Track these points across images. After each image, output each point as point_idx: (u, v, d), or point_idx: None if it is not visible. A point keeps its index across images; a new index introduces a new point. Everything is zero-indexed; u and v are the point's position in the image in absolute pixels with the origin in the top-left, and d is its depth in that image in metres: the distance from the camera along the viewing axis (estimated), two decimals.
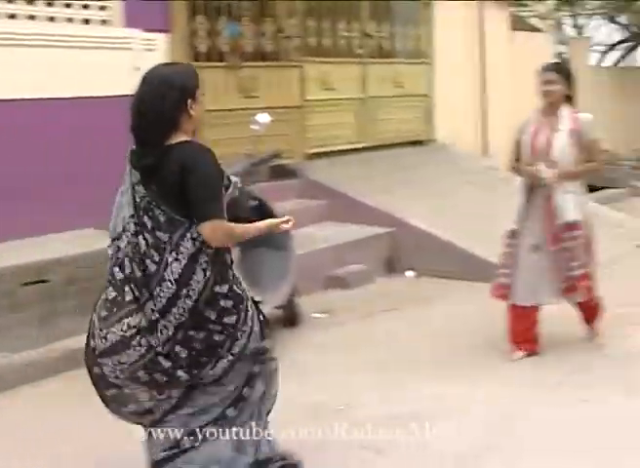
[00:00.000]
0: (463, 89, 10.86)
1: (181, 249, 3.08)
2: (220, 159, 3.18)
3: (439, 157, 9.73)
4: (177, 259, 3.08)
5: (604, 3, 14.71)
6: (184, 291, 3.08)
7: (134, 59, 6.56)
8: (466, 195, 8.55)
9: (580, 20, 15.20)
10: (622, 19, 15.46)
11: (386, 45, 9.36)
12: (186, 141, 3.15)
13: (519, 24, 13.31)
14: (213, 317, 3.13)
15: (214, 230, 3.08)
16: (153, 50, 6.92)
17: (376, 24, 9.11)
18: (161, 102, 3.09)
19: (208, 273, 3.11)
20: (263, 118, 5.75)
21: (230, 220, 3.18)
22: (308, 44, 8.33)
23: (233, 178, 3.38)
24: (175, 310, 3.09)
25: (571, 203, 5.09)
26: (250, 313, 3.26)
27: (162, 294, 3.09)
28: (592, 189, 12.41)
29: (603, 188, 12.26)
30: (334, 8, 8.62)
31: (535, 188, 5.10)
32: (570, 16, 15.16)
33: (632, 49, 16.20)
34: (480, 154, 10.90)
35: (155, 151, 3.11)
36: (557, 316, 5.38)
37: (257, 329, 3.29)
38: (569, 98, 5.24)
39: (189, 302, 3.08)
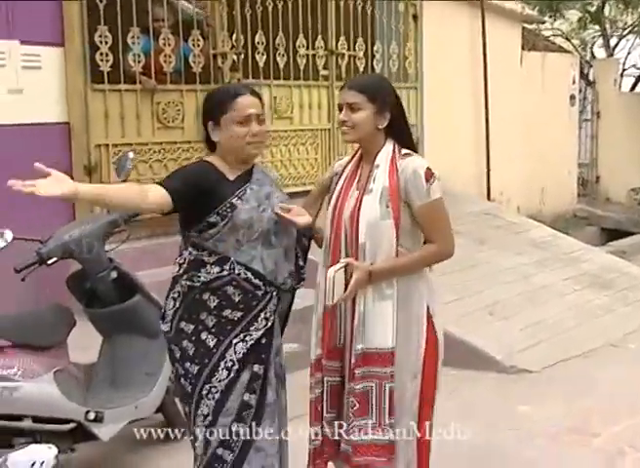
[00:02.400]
0: (461, 118, 9.32)
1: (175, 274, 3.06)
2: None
3: None
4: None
5: (639, 20, 13.09)
6: (164, 313, 3.07)
7: (9, 79, 5.37)
8: None
9: (611, 40, 13.58)
10: None
11: (361, 65, 7.80)
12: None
13: (536, 44, 11.75)
14: (177, 355, 3.00)
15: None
16: (38, 68, 5.56)
17: (345, 40, 7.55)
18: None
19: (177, 304, 3.01)
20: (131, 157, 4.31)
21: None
22: (254, 63, 6.79)
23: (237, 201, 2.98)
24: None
25: (383, 317, 2.90)
26: (222, 375, 2.91)
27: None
28: (617, 235, 10.91)
29: (630, 234, 10.64)
30: (289, 20, 7.08)
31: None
32: (599, 35, 13.55)
33: None
34: (478, 196, 9.29)
35: None
36: None
37: (235, 405, 2.92)
38: (395, 135, 3.06)
39: (164, 327, 3.05)
